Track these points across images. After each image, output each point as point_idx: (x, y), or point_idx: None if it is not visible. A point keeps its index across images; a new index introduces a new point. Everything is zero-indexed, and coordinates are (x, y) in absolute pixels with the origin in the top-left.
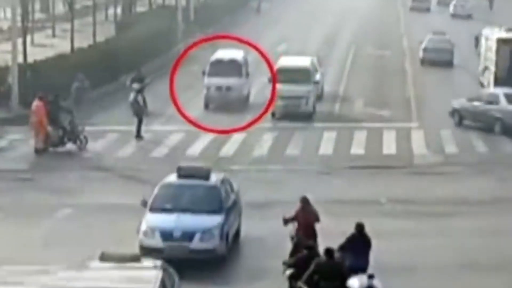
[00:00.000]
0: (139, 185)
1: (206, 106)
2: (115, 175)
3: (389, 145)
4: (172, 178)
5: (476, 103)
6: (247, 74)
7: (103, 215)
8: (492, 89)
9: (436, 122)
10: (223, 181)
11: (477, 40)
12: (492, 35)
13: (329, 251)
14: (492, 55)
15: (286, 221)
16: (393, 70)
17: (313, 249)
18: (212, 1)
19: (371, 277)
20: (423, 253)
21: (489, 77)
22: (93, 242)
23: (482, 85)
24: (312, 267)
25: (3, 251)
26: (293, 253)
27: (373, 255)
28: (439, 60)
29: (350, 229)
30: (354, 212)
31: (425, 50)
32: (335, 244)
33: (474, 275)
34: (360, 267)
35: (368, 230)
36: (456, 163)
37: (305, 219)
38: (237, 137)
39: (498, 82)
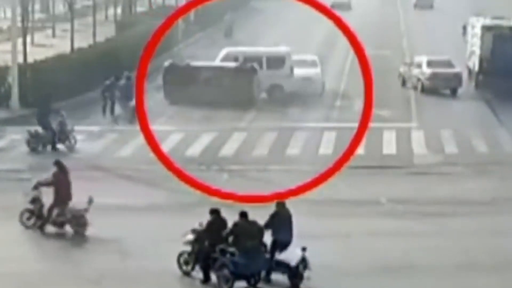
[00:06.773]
0: (139, 185)
1: None
2: (115, 175)
3: (389, 145)
4: None
5: (411, 67)
6: None
7: (103, 215)
8: (419, 56)
9: (436, 122)
10: None
11: (464, 29)
12: (477, 23)
13: (244, 213)
14: (477, 41)
15: (38, 185)
16: (393, 69)
17: (217, 213)
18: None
19: (304, 249)
20: (423, 253)
21: (475, 59)
22: (93, 242)
23: (468, 68)
24: (231, 229)
25: (3, 251)
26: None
27: (374, 255)
28: (425, 5)
29: (350, 229)
30: (354, 212)
31: None
32: (337, 245)
33: (473, 275)
34: (286, 241)
35: (368, 230)
36: (456, 163)
37: (66, 182)
38: (237, 137)
39: (482, 62)
